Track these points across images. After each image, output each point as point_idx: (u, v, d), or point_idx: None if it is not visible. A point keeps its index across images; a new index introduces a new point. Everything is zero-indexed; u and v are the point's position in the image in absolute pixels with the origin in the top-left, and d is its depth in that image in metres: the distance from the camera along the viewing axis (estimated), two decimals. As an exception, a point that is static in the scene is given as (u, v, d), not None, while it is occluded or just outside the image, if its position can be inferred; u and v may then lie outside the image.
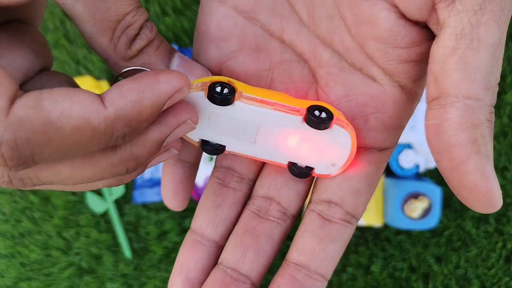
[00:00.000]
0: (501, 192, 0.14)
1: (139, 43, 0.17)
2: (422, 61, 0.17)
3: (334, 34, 0.17)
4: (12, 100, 0.13)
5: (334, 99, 0.18)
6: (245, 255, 0.18)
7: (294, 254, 0.18)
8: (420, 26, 0.16)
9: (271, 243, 0.19)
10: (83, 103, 0.13)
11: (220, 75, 0.19)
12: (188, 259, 0.19)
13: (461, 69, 0.14)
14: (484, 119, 0.14)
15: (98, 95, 0.14)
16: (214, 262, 0.19)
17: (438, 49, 0.15)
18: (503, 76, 0.53)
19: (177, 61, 0.18)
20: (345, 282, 0.54)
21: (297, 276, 0.17)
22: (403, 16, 0.16)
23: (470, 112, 0.14)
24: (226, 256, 0.18)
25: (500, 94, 0.53)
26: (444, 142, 0.14)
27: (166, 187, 0.21)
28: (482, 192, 0.14)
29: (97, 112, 0.13)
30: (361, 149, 0.18)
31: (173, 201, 0.21)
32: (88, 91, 0.14)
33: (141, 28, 0.17)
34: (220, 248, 0.19)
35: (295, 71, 0.19)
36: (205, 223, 0.19)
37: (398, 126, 0.18)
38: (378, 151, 0.18)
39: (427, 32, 0.16)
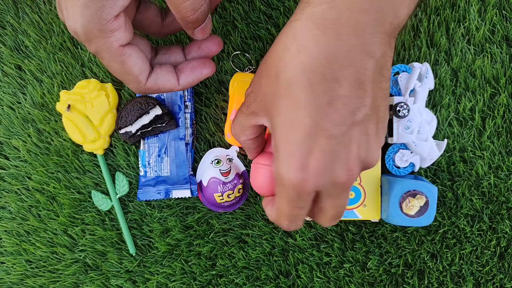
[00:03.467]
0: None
1: (190, 15, 0.36)
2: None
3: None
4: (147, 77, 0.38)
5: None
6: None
7: None
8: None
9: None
10: (171, 82, 0.40)
11: None
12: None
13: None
14: None
15: (177, 74, 0.40)
16: None
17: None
18: (497, 79, 0.54)
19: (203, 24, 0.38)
20: (342, 278, 0.55)
21: None
22: None
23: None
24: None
25: (494, 95, 0.54)
26: None
27: None
28: None
29: (175, 87, 0.40)
30: None
31: None
32: (173, 73, 0.39)
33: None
34: None
35: None
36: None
37: None
38: None
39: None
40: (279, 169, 0.30)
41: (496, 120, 0.53)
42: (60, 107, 0.54)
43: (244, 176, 0.55)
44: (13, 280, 0.57)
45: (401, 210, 0.48)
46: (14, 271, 0.57)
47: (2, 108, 0.56)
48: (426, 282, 0.54)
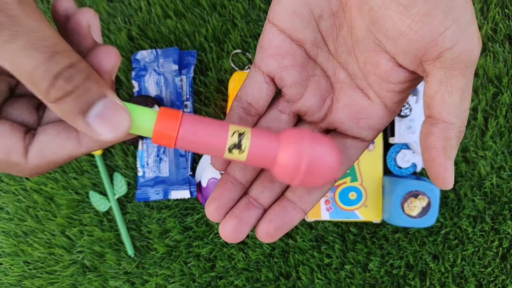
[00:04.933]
0: (453, 177, 0.24)
1: (54, 94, 0.19)
2: (403, 92, 0.26)
3: (349, 64, 0.27)
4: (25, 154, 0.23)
5: (340, 105, 0.27)
6: (264, 191, 0.27)
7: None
8: (408, 71, 0.25)
9: (282, 187, 0.28)
10: (68, 147, 0.24)
11: (274, 80, 0.27)
12: (221, 192, 0.27)
13: (441, 104, 0.23)
14: (453, 136, 0.23)
15: (76, 131, 0.24)
16: (239, 197, 0.27)
17: (428, 89, 0.24)
18: (499, 78, 0.53)
19: (99, 109, 0.20)
20: (343, 280, 0.55)
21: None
22: (398, 65, 0.25)
23: (445, 130, 0.23)
24: (251, 190, 0.27)
25: (497, 95, 0.54)
26: (427, 145, 0.24)
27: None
28: (441, 178, 0.24)
29: (76, 151, 0.24)
30: (351, 137, 0.28)
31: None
32: (70, 131, 0.24)
33: (56, 77, 0.19)
34: (244, 188, 0.27)
35: (321, 83, 0.27)
36: (238, 169, 0.27)
37: (378, 129, 0.28)
38: (361, 141, 0.28)
39: (412, 75, 0.25)
40: None
41: (499, 120, 0.53)
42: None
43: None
44: (11, 281, 0.56)
45: (403, 211, 0.48)
46: (12, 272, 0.56)
47: None
48: (428, 284, 0.54)
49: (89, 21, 0.24)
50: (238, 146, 0.23)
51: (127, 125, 0.21)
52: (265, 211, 0.27)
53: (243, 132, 0.23)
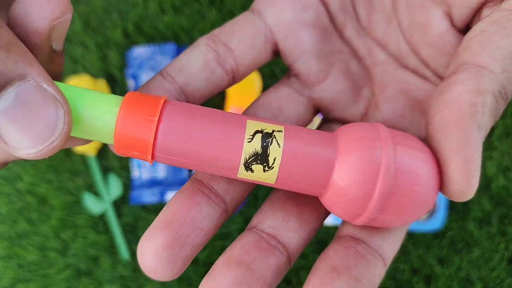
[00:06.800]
0: (478, 172, 0.14)
1: None
2: None
3: (390, 37, 0.18)
4: None
5: (391, 93, 0.18)
6: (287, 221, 0.15)
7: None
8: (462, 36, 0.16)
9: (316, 217, 0.15)
10: None
11: (276, 45, 0.17)
12: (183, 211, 0.14)
13: (484, 44, 0.14)
14: (491, 90, 0.13)
15: None
16: (216, 224, 0.15)
17: (468, 33, 0.15)
18: (506, 75, 0.53)
19: (10, 97, 0.12)
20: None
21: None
22: (453, 25, 0.17)
23: (479, 79, 0.13)
24: (260, 220, 0.15)
25: (503, 93, 0.53)
26: (443, 100, 0.14)
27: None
28: (459, 170, 0.14)
29: None
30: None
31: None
32: None
33: None
34: (227, 213, 0.16)
35: (351, 65, 0.19)
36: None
37: None
38: None
39: None
40: None
41: (506, 120, 0.53)
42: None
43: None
44: (4, 284, 0.56)
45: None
46: (5, 275, 0.56)
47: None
48: (433, 288, 0.53)
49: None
50: (262, 159, 0.13)
51: (60, 131, 0.12)
52: (290, 259, 0.15)
53: (271, 133, 0.13)
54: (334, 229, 0.53)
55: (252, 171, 0.13)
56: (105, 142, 0.13)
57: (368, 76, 0.19)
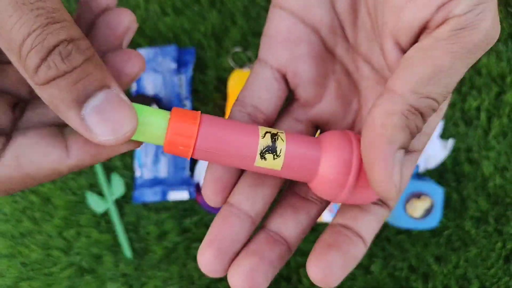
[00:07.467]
0: (398, 178, 0.17)
1: (44, 72, 0.15)
2: None
3: (373, 53, 0.21)
4: None
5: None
6: (287, 222, 0.20)
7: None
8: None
9: (308, 218, 0.21)
10: (52, 157, 0.17)
11: (285, 76, 0.21)
12: (223, 231, 0.19)
13: (404, 71, 0.17)
14: (397, 111, 0.17)
15: (64, 139, 0.18)
16: (247, 236, 0.20)
17: (402, 58, 0.18)
18: (502, 77, 0.53)
19: (99, 101, 0.16)
20: (344, 282, 0.54)
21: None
22: (404, 51, 0.19)
23: (390, 102, 0.17)
24: (269, 223, 0.21)
25: (499, 94, 0.53)
26: (366, 121, 0.17)
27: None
28: (377, 176, 0.17)
29: (63, 164, 0.18)
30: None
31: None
32: (56, 138, 0.18)
33: (50, 51, 0.15)
34: (254, 224, 0.20)
35: (342, 82, 0.22)
36: (244, 197, 0.20)
37: (427, 133, 0.22)
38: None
39: None
40: None
41: (502, 119, 0.53)
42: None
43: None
44: (8, 283, 0.56)
45: (405, 212, 0.48)
46: (9, 274, 0.56)
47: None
48: (430, 286, 0.54)
49: (129, 24, 0.19)
50: (272, 149, 0.18)
51: (131, 126, 0.16)
52: (290, 248, 0.20)
53: (276, 133, 0.19)
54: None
55: (265, 159, 0.18)
56: (155, 143, 0.18)
57: (356, 90, 0.22)
